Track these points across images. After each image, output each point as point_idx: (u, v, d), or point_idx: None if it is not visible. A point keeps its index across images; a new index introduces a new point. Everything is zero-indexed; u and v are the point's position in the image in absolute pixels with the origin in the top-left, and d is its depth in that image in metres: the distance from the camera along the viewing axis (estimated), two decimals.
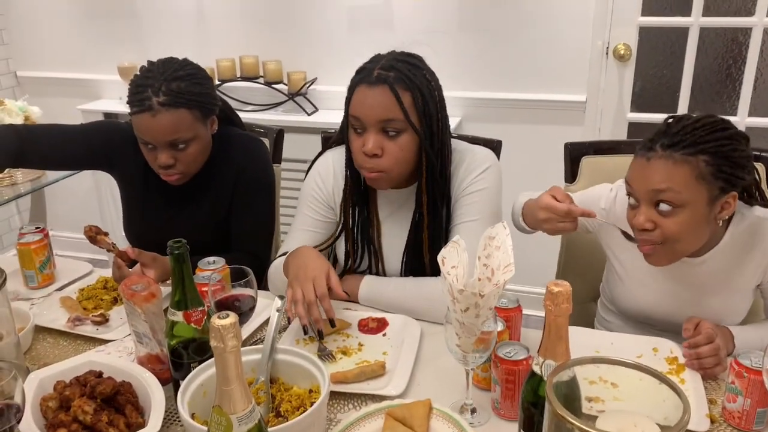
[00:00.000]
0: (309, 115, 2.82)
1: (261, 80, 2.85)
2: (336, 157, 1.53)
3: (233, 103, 2.92)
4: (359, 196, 1.49)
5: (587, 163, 1.68)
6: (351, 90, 1.38)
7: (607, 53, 2.54)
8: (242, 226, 1.68)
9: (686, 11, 2.46)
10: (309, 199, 1.55)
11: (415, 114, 1.34)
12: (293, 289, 1.26)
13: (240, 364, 0.81)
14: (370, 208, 1.52)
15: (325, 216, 1.54)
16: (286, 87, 2.83)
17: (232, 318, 0.79)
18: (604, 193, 1.46)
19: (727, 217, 1.28)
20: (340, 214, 1.52)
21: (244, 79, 2.85)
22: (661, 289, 1.40)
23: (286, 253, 1.50)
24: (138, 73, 1.53)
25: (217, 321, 0.78)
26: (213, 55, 2.87)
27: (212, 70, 2.87)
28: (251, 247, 1.67)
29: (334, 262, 1.62)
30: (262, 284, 1.53)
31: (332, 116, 2.74)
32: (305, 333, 1.30)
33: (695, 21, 2.45)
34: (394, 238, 1.51)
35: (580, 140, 1.72)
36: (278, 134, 1.93)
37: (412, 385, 1.20)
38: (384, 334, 1.35)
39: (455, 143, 1.48)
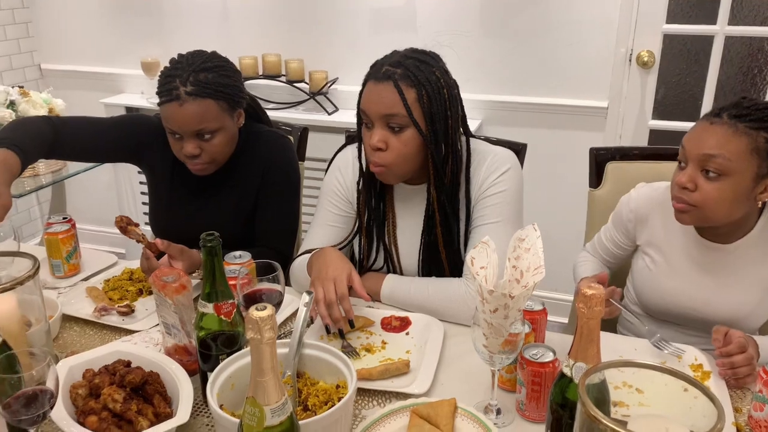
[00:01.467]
0: (329, 114, 2.83)
1: (283, 78, 2.86)
2: (355, 152, 1.55)
3: None
4: (374, 191, 1.51)
5: (612, 168, 1.68)
6: (363, 85, 1.41)
7: (630, 60, 2.54)
8: (267, 222, 1.69)
9: (712, 19, 2.45)
10: (329, 194, 1.56)
11: (419, 111, 1.34)
12: (315, 289, 1.27)
13: (275, 356, 0.82)
14: (386, 203, 1.53)
15: (346, 211, 1.55)
16: (307, 86, 2.85)
17: (269, 310, 0.80)
18: (624, 200, 1.52)
19: (766, 201, 1.31)
20: (357, 209, 1.53)
21: (266, 77, 2.87)
22: (689, 280, 1.41)
23: (309, 250, 1.51)
24: (168, 64, 1.55)
25: (255, 312, 0.79)
26: (236, 53, 2.88)
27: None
28: (275, 244, 1.68)
29: (352, 259, 1.63)
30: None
31: (352, 116, 2.70)
32: (328, 332, 1.31)
33: (720, 29, 2.44)
34: (409, 235, 1.51)
35: (602, 146, 1.73)
36: (303, 132, 1.95)
37: (436, 384, 1.20)
38: (407, 333, 1.36)
39: (476, 143, 1.49)
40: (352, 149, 1.56)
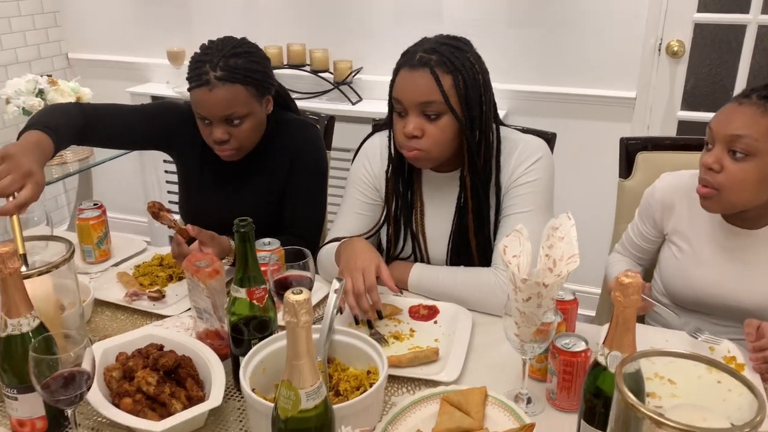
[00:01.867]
0: (354, 104, 2.83)
1: (307, 68, 2.86)
2: (383, 140, 1.54)
3: None
4: (402, 179, 1.50)
5: (643, 158, 1.66)
6: (395, 73, 1.40)
7: (659, 49, 2.50)
8: (294, 210, 1.70)
9: (744, 8, 2.40)
10: (357, 181, 1.56)
11: (456, 97, 1.34)
12: (345, 281, 1.26)
13: (311, 340, 0.82)
14: (415, 191, 1.52)
15: (373, 199, 1.55)
16: (331, 76, 2.85)
17: (305, 294, 0.80)
18: (648, 192, 1.51)
19: None
20: (385, 197, 1.53)
21: (290, 66, 2.87)
22: (716, 267, 1.39)
23: (337, 238, 1.51)
24: (198, 51, 1.56)
25: (291, 296, 0.79)
26: (260, 42, 2.84)
27: None
28: (302, 232, 1.69)
29: (379, 248, 1.64)
30: None
31: (377, 106, 2.75)
32: (356, 322, 1.31)
33: (753, 18, 2.40)
34: (437, 223, 1.51)
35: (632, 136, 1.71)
36: (329, 121, 1.95)
37: (465, 373, 1.20)
38: (435, 322, 1.36)
39: (506, 132, 1.48)
40: (379, 137, 1.56)
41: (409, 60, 1.36)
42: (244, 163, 1.65)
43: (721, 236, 1.39)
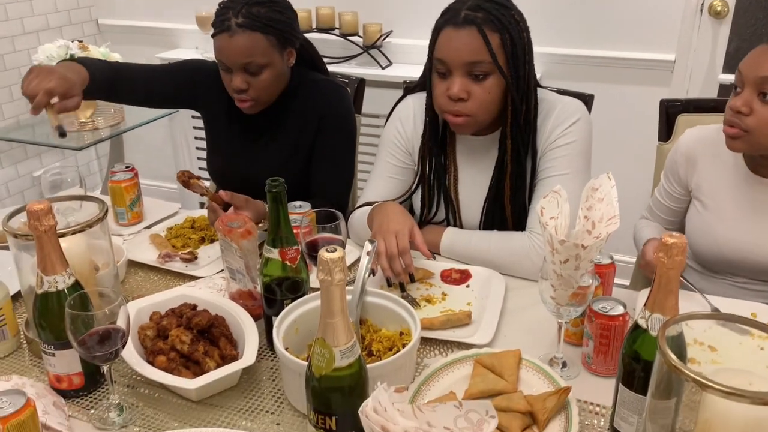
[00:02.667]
0: (383, 68, 2.78)
1: (336, 32, 2.82)
2: (417, 102, 1.51)
3: None
4: (437, 143, 1.47)
5: (684, 121, 1.60)
6: (436, 32, 1.35)
7: (701, 10, 2.41)
8: (323, 172, 1.69)
9: None
10: (389, 145, 1.53)
11: (503, 56, 1.30)
12: (378, 244, 1.25)
13: (344, 298, 0.81)
14: (448, 155, 1.49)
15: (405, 163, 1.53)
16: (361, 39, 2.80)
17: (339, 252, 0.79)
18: (673, 149, 1.48)
19: None
20: (418, 161, 1.51)
21: (319, 30, 2.83)
22: (740, 221, 1.36)
23: (369, 202, 1.49)
24: None
25: (325, 254, 0.78)
26: None
27: None
28: (330, 194, 1.68)
29: (411, 212, 1.62)
30: None
31: (407, 70, 2.70)
32: (389, 285, 1.30)
33: None
34: (472, 188, 1.48)
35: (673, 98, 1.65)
36: (359, 84, 1.92)
37: (498, 336, 1.19)
38: (467, 286, 1.34)
39: (543, 93, 1.44)
40: (413, 99, 1.53)
41: (454, 18, 1.31)
42: (270, 119, 1.65)
43: (747, 188, 1.36)
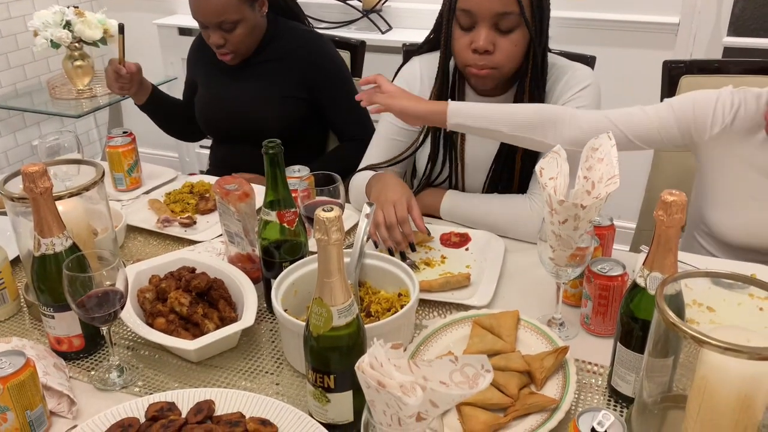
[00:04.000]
0: (383, 33, 2.75)
1: None
2: (425, 63, 1.48)
3: None
4: (447, 98, 1.44)
5: (687, 83, 1.58)
6: None
7: None
8: (345, 120, 1.79)
9: None
10: None
11: (530, 9, 1.28)
12: (376, 214, 1.24)
13: (342, 258, 0.81)
14: None
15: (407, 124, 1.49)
16: (360, 3, 2.76)
17: (336, 211, 0.78)
18: (723, 99, 1.27)
19: None
20: None
21: None
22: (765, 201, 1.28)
23: (369, 167, 1.48)
24: None
25: (322, 214, 0.78)
26: None
27: None
28: (357, 133, 1.77)
29: (413, 172, 1.61)
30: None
31: (407, 35, 2.67)
32: (390, 254, 1.29)
33: None
34: (479, 147, 1.46)
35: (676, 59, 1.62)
36: (360, 47, 1.89)
37: (497, 298, 1.19)
38: (467, 249, 1.34)
39: (553, 58, 1.42)
40: (420, 61, 1.50)
41: None
42: (251, 64, 1.76)
43: None
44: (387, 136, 1.51)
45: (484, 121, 1.28)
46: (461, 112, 1.28)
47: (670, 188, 0.85)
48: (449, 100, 1.32)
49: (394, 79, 1.54)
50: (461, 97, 1.46)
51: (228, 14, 1.61)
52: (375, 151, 1.51)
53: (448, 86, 1.43)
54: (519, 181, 1.43)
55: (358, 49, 1.90)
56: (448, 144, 1.47)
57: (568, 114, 1.28)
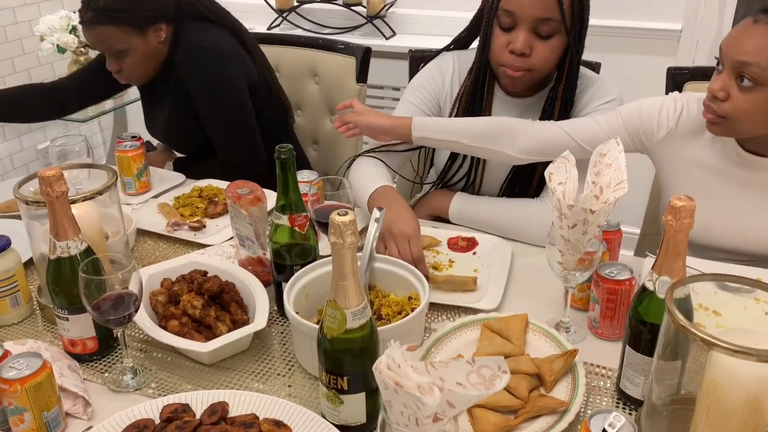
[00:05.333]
0: (387, 39, 2.77)
1: (339, 1, 2.80)
2: (459, 61, 1.49)
3: (309, 26, 2.90)
4: (475, 98, 1.45)
5: (691, 89, 1.60)
6: None
7: None
8: (213, 138, 1.75)
9: None
10: (419, 88, 1.51)
11: (571, 16, 1.30)
12: (388, 246, 1.23)
13: (356, 261, 0.82)
14: (485, 111, 1.47)
15: (429, 109, 1.50)
16: (364, 9, 2.78)
17: (351, 215, 0.79)
18: (667, 104, 1.32)
19: None
20: (449, 113, 1.49)
21: (323, 0, 2.81)
22: (730, 203, 1.29)
23: (374, 149, 1.47)
24: None
25: (336, 218, 0.79)
26: None
27: None
28: (227, 160, 1.75)
29: (430, 169, 1.62)
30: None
31: (411, 41, 2.69)
32: None
33: None
34: None
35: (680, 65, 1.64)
36: (365, 53, 1.91)
37: (505, 302, 1.20)
38: (474, 253, 1.35)
39: (582, 69, 1.44)
40: (455, 56, 1.51)
41: None
42: (155, 86, 1.76)
43: (736, 166, 1.27)
44: (404, 115, 1.50)
45: (446, 134, 1.36)
46: (424, 126, 1.37)
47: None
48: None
49: (427, 63, 1.54)
50: (489, 96, 1.47)
51: (114, 45, 1.59)
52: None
53: (482, 84, 1.44)
54: (537, 186, 1.44)
55: (363, 56, 1.91)
56: None
57: (523, 124, 1.34)
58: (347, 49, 1.92)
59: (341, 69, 1.93)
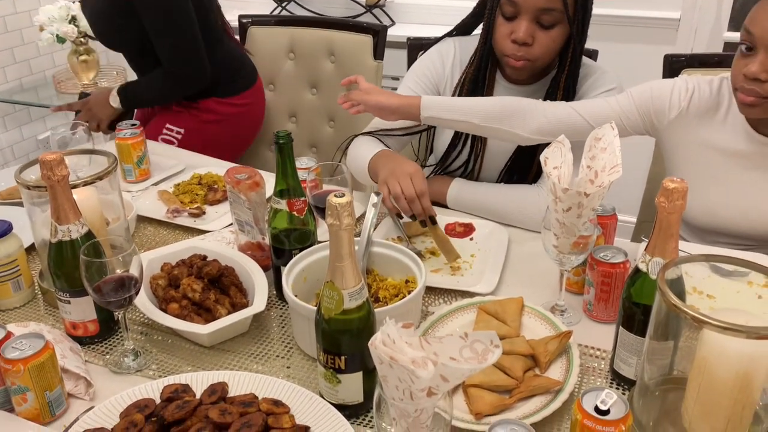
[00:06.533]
0: (387, 28, 2.76)
1: None
2: (459, 45, 1.51)
3: (307, 14, 2.90)
4: (477, 85, 1.47)
5: None
6: None
7: None
8: (156, 42, 1.85)
9: None
10: (419, 73, 1.52)
11: (574, 6, 1.31)
12: (391, 185, 1.26)
13: (353, 242, 0.83)
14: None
15: (427, 94, 1.51)
16: None
17: (347, 197, 0.81)
18: (679, 85, 1.33)
19: None
20: (453, 94, 1.50)
21: None
22: (738, 183, 1.31)
23: (372, 132, 1.49)
24: None
25: (333, 199, 0.80)
26: None
27: None
28: (169, 66, 1.86)
29: (430, 154, 1.64)
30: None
31: (410, 30, 2.69)
32: (413, 219, 1.30)
33: None
34: None
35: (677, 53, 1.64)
36: (382, 30, 1.93)
37: (502, 286, 1.21)
38: (471, 238, 1.37)
39: (582, 58, 1.44)
40: (457, 42, 1.52)
41: None
42: None
43: (747, 148, 1.29)
44: None
45: (456, 113, 1.34)
46: (434, 105, 1.35)
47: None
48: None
49: (427, 49, 1.55)
50: (491, 83, 1.48)
51: None
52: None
53: (484, 71, 1.45)
54: (535, 173, 1.45)
55: (380, 33, 1.92)
56: None
57: (534, 104, 1.34)
58: (363, 27, 1.94)
59: (358, 47, 1.95)
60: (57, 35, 2.70)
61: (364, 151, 1.43)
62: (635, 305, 0.93)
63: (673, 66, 1.62)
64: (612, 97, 1.36)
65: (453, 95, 1.50)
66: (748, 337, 0.74)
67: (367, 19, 2.79)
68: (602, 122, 1.27)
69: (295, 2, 2.91)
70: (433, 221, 1.28)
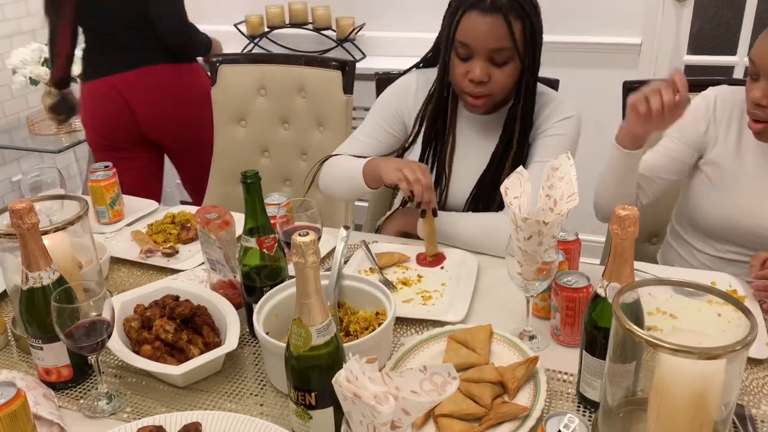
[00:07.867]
0: (357, 61, 2.81)
1: (310, 26, 2.86)
2: (422, 78, 1.55)
3: (280, 51, 2.95)
4: (441, 113, 1.51)
5: None
6: (459, 13, 1.37)
7: None
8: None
9: None
10: (384, 108, 1.57)
11: (523, 43, 1.36)
12: (407, 172, 1.32)
13: (318, 279, 0.85)
14: (449, 127, 1.53)
15: (394, 130, 1.57)
16: (334, 33, 2.84)
17: (312, 236, 0.83)
18: (700, 103, 1.45)
19: None
20: (413, 127, 1.54)
21: (293, 25, 2.86)
22: (758, 191, 1.39)
23: (343, 155, 1.54)
24: None
25: (298, 238, 0.82)
26: (263, 2, 2.88)
27: (261, 17, 2.89)
28: (162, 29, 2.11)
29: (395, 188, 1.67)
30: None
31: (381, 63, 2.74)
32: (423, 216, 1.38)
33: None
34: (467, 162, 1.53)
35: (636, 79, 1.70)
36: (350, 65, 1.98)
37: (471, 313, 1.24)
38: (442, 267, 1.39)
39: (542, 87, 1.50)
40: (418, 74, 1.57)
41: (480, 2, 1.33)
42: None
43: (763, 158, 1.38)
44: (369, 133, 1.56)
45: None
46: None
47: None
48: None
49: (390, 84, 1.61)
50: (454, 114, 1.53)
51: None
52: (353, 145, 1.56)
53: (444, 103, 1.50)
54: (500, 201, 1.49)
55: (348, 68, 1.97)
56: (437, 156, 1.53)
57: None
58: (332, 63, 1.98)
59: (327, 82, 1.99)
60: (30, 78, 2.72)
61: (350, 162, 1.49)
62: (597, 329, 0.96)
63: (633, 92, 1.66)
64: (658, 145, 1.49)
65: (415, 124, 1.54)
66: (699, 358, 0.76)
67: (339, 53, 2.85)
68: (658, 170, 1.47)
69: (267, 38, 2.96)
70: (435, 213, 1.36)
